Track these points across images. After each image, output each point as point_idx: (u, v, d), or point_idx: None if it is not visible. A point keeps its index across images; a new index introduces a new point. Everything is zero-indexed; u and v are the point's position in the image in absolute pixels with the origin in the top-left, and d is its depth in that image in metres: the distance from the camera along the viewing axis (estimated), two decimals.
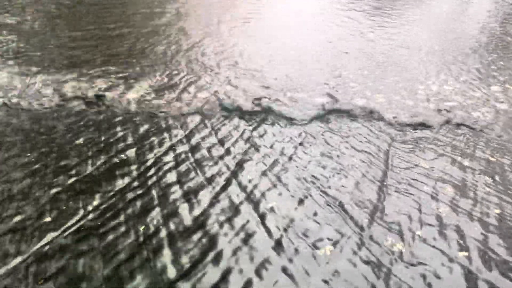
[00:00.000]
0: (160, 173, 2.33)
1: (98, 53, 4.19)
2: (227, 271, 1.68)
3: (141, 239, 1.84)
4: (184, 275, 1.65)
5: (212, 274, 1.67)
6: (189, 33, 4.99)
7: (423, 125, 2.92)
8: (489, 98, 3.32)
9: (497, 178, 2.34)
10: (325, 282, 1.65)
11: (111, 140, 2.68)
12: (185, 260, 1.73)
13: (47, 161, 2.42)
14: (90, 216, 1.97)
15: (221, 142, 2.68)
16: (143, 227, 1.91)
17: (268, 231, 1.91)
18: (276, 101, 3.18)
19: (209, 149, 2.59)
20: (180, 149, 2.59)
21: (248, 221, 1.97)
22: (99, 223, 1.93)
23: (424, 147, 2.66)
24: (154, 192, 2.16)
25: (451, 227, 1.95)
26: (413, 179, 2.31)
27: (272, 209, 2.05)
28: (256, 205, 2.08)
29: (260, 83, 3.53)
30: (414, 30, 5.47)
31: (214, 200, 2.11)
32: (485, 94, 3.40)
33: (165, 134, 2.76)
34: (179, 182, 2.26)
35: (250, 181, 2.27)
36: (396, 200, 2.13)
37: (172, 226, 1.92)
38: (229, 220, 1.97)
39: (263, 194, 2.16)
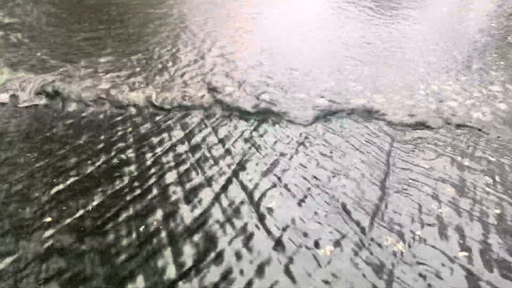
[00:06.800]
0: (160, 173, 2.32)
1: (100, 53, 4.18)
2: (227, 271, 1.68)
3: (142, 239, 1.83)
4: (184, 275, 1.65)
5: (213, 274, 1.66)
6: (192, 32, 4.99)
7: (423, 125, 2.92)
8: (489, 98, 3.32)
9: (497, 178, 2.34)
10: (326, 282, 1.64)
11: (111, 140, 2.68)
12: (185, 260, 1.72)
13: (47, 161, 2.42)
14: (90, 216, 1.97)
15: (221, 142, 2.68)
16: (143, 227, 1.91)
17: (268, 231, 1.91)
18: (276, 101, 3.17)
19: (209, 149, 2.59)
20: (180, 149, 2.59)
21: (248, 221, 1.97)
22: (99, 223, 1.92)
23: (424, 147, 2.66)
24: (154, 192, 2.16)
25: (452, 227, 1.95)
26: (414, 179, 2.31)
27: (272, 209, 2.05)
28: (256, 205, 2.08)
29: (260, 83, 3.52)
30: (414, 30, 5.47)
31: (214, 200, 2.11)
32: (485, 94, 3.40)
33: (165, 134, 2.76)
34: (179, 182, 2.25)
35: (250, 181, 2.27)
36: (397, 200, 2.13)
37: (172, 226, 1.92)
38: (230, 220, 1.97)
39: (263, 194, 2.16)
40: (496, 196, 2.18)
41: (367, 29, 5.35)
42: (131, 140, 2.68)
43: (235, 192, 2.18)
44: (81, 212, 2.00)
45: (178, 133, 2.78)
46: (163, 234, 1.87)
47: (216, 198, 2.13)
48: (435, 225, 1.96)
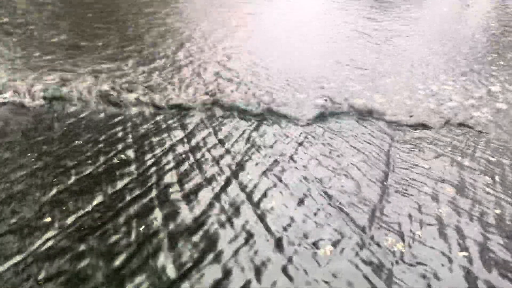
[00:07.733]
0: (160, 173, 2.32)
1: (100, 53, 4.19)
2: (227, 271, 1.68)
3: (141, 239, 1.84)
4: (184, 275, 1.65)
5: (212, 274, 1.66)
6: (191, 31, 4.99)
7: (423, 125, 2.92)
8: (489, 98, 3.32)
9: (497, 178, 2.34)
10: (326, 282, 1.64)
11: (111, 140, 2.68)
12: (185, 260, 1.73)
13: (47, 161, 2.42)
14: (90, 216, 1.97)
15: (221, 142, 2.68)
16: (143, 227, 1.91)
17: (268, 231, 1.91)
18: (276, 102, 3.17)
19: (209, 149, 2.59)
20: (180, 149, 2.59)
21: (248, 221, 1.97)
22: (99, 223, 1.93)
23: (424, 147, 2.66)
24: (154, 192, 2.16)
25: (451, 227, 1.95)
26: (413, 179, 2.31)
27: (272, 209, 2.05)
28: (256, 205, 2.08)
29: (260, 83, 3.53)
30: (414, 30, 5.47)
31: (214, 200, 2.11)
32: (485, 94, 3.40)
33: (165, 134, 2.77)
34: (179, 182, 2.26)
35: (250, 181, 2.27)
36: (396, 200, 2.13)
37: (172, 226, 1.92)
38: (229, 220, 1.97)
39: (263, 194, 2.16)
40: (496, 196, 2.18)
41: (367, 30, 5.36)
42: (131, 140, 2.68)
43: (235, 192, 2.18)
44: (81, 212, 2.00)
45: (178, 133, 2.78)
46: (163, 234, 1.87)
47: (216, 198, 2.13)
48: (434, 225, 1.96)
